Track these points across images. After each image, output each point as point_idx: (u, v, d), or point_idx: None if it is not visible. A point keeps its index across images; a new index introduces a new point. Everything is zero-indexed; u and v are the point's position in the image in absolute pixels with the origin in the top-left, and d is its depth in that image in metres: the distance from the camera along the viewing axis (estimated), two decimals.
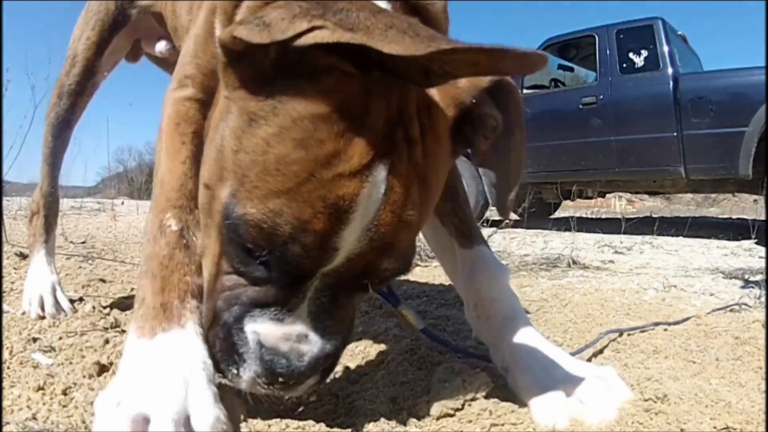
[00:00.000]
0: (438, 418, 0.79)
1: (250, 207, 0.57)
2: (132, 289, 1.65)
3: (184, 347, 0.64)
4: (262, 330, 0.63)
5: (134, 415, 0.55)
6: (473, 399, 0.83)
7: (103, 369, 0.90)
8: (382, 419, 0.79)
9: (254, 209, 0.56)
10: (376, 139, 0.56)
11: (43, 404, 0.75)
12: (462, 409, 0.82)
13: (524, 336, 0.89)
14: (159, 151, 0.81)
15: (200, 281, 0.70)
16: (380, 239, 0.59)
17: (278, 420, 0.74)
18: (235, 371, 0.64)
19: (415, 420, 0.80)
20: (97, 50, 1.29)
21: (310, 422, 0.76)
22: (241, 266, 0.63)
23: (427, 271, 2.52)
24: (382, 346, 1.10)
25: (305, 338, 0.63)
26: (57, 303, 1.31)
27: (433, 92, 0.66)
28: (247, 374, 0.64)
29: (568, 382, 0.79)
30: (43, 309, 1.27)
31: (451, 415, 0.80)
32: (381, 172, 0.57)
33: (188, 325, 0.66)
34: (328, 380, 0.75)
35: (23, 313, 1.27)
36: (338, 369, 0.97)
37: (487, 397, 0.86)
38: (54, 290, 1.34)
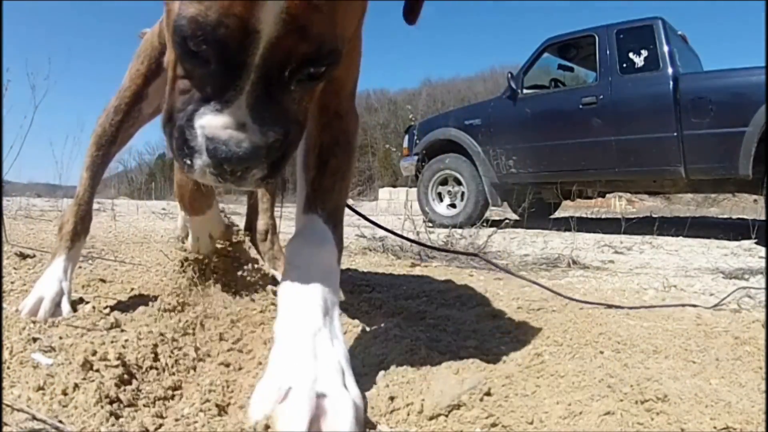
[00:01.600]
0: (437, 418, 0.79)
1: (191, 8, 0.68)
2: (132, 289, 1.65)
3: None
4: (205, 122, 0.72)
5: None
6: (473, 399, 0.84)
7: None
8: (382, 419, 0.80)
9: (192, 8, 0.68)
10: None
11: (43, 404, 0.76)
12: (461, 408, 0.82)
13: (297, 317, 0.81)
14: None
15: None
16: (293, 21, 0.68)
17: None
18: (189, 162, 0.75)
19: (414, 420, 0.80)
20: (145, 80, 1.45)
21: None
22: (187, 64, 0.74)
23: (427, 271, 2.52)
24: (382, 346, 1.10)
25: (243, 127, 0.72)
26: (56, 309, 1.30)
27: None
28: (197, 163, 0.74)
29: (302, 386, 0.70)
30: (36, 313, 1.27)
31: (450, 415, 0.80)
32: None
33: None
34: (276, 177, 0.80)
35: (17, 310, 1.27)
36: None
37: (486, 396, 0.86)
38: (59, 297, 1.32)
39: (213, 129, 0.72)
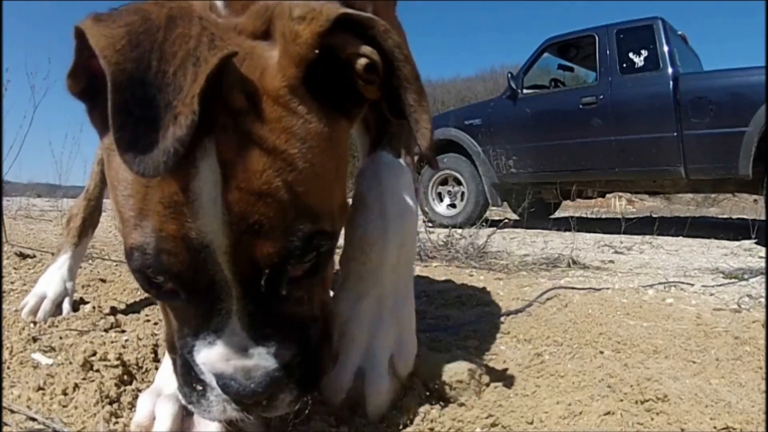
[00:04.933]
0: (437, 418, 0.79)
1: (131, 238, 0.58)
2: (132, 290, 1.65)
3: None
4: (204, 358, 0.62)
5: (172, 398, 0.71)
6: (472, 399, 0.84)
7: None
8: (382, 419, 0.79)
9: (132, 238, 0.58)
10: None
11: (43, 404, 0.76)
12: (461, 409, 0.82)
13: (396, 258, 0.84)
14: None
15: None
16: (242, 219, 0.56)
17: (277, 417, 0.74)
18: (202, 401, 0.64)
19: (414, 420, 0.79)
20: None
21: (310, 422, 0.76)
22: (159, 298, 0.66)
23: (427, 271, 2.52)
24: None
25: (245, 353, 0.60)
26: (56, 310, 1.30)
27: (272, 55, 0.61)
28: (211, 399, 0.63)
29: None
30: (36, 312, 1.26)
31: (451, 415, 0.80)
32: (209, 153, 0.55)
33: None
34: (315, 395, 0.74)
35: (16, 310, 1.27)
36: None
37: (486, 396, 0.86)
38: (61, 297, 1.32)
39: (214, 364, 0.61)
